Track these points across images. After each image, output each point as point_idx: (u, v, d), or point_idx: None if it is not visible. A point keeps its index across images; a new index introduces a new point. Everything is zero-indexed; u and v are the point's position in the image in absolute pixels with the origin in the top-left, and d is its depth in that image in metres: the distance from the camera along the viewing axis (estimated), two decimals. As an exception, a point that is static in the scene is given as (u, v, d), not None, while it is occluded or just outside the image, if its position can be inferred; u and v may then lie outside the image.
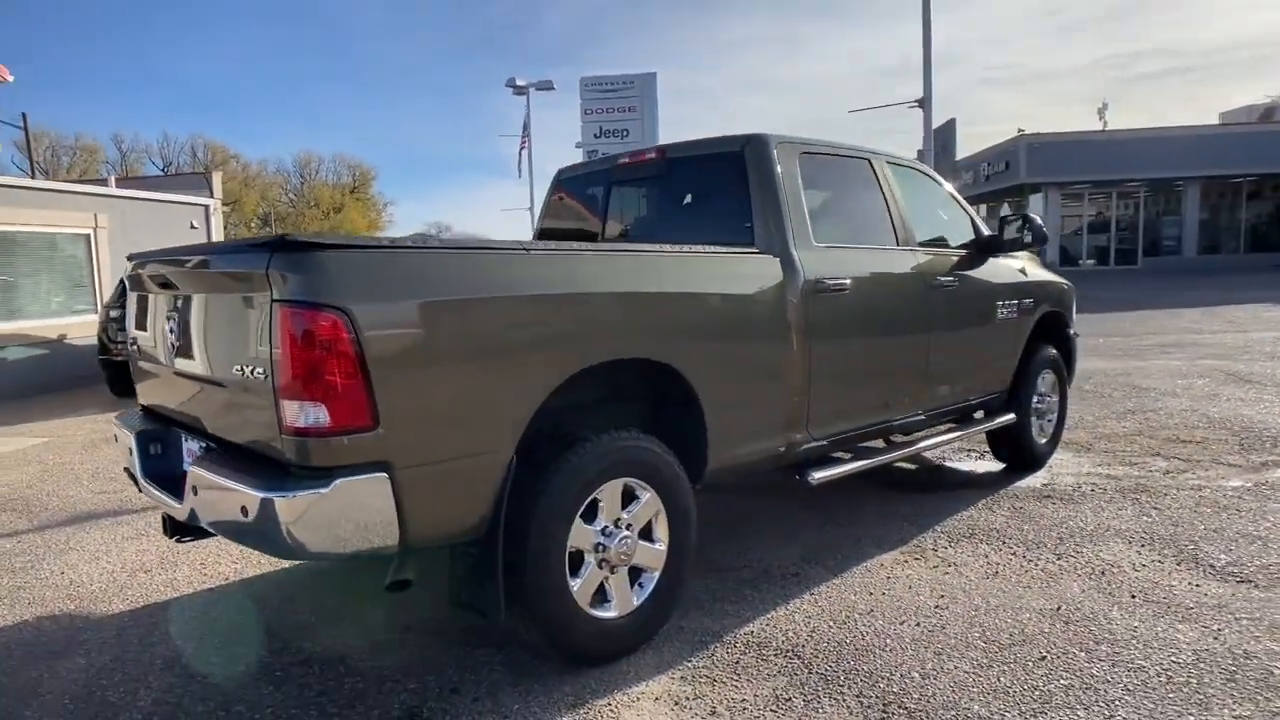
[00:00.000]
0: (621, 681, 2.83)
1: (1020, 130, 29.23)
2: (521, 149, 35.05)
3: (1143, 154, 28.11)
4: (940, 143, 37.70)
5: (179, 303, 2.87)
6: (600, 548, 2.89)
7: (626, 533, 2.96)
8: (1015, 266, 5.07)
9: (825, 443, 3.83)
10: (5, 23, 66.03)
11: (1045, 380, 5.42)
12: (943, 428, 4.84)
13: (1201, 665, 2.79)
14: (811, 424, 3.70)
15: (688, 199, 4.09)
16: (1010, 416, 5.08)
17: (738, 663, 2.95)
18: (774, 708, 2.65)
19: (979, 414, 5.07)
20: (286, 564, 4.02)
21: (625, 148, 17.36)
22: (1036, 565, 3.74)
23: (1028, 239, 4.69)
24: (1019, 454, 5.31)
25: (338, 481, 2.26)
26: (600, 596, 2.94)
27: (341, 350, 2.23)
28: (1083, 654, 2.90)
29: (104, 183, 17.94)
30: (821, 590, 3.55)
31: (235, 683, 2.91)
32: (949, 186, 4.88)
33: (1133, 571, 3.63)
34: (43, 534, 4.71)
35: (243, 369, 2.46)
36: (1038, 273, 5.37)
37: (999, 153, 31.05)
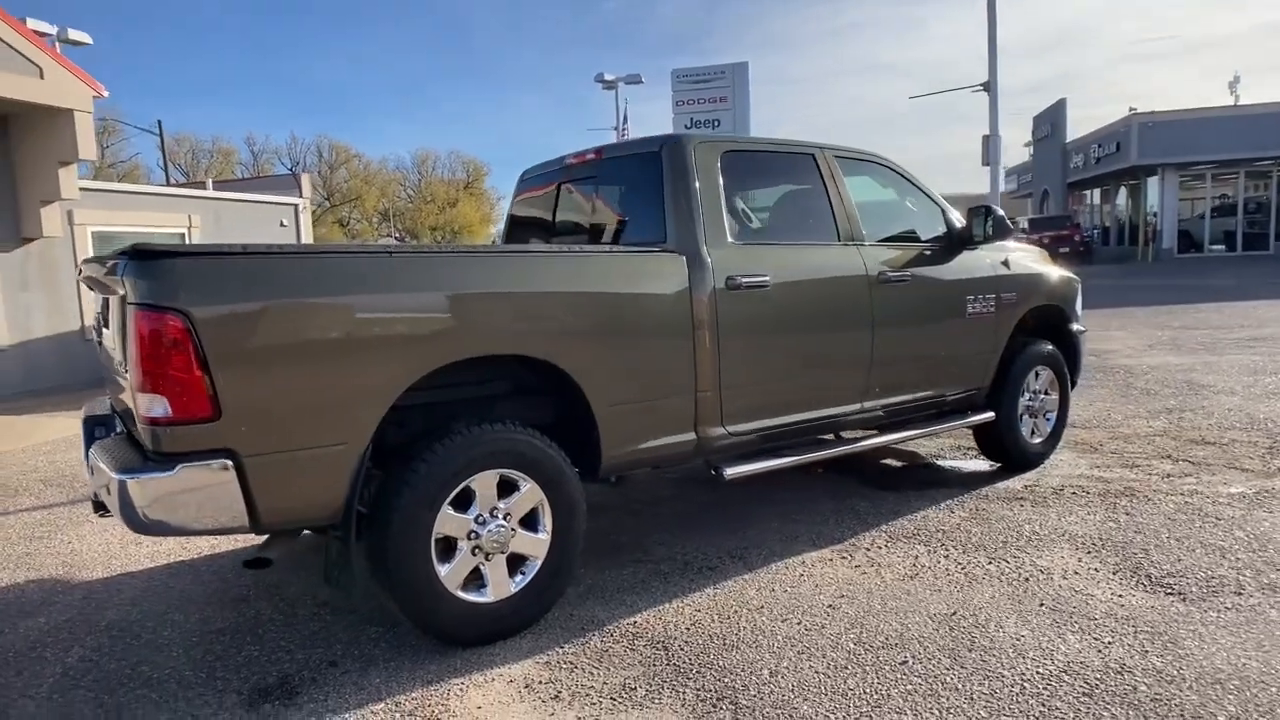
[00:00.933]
0: (486, 663, 2.97)
1: (1132, 109, 27.34)
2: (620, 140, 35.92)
3: (1277, 129, 25.75)
4: (1049, 124, 35.64)
5: (104, 304, 3.20)
6: (474, 535, 3.03)
7: (503, 522, 3.09)
8: (993, 260, 4.86)
9: (752, 437, 3.84)
10: (154, 34, 71.70)
11: (1040, 377, 5.18)
12: (915, 424, 4.72)
13: (1065, 677, 2.69)
14: (729, 419, 3.72)
15: (618, 198, 4.16)
16: (989, 415, 4.91)
17: (607, 651, 3.04)
18: (615, 695, 2.73)
19: (969, 412, 4.91)
20: (254, 540, 4.35)
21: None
22: (962, 569, 3.64)
23: (989, 232, 4.52)
24: (1006, 453, 5.12)
25: (180, 467, 2.49)
26: (478, 581, 3.09)
27: (181, 348, 2.45)
28: (947, 660, 2.84)
29: (203, 185, 19.32)
30: (728, 585, 3.58)
31: (154, 647, 3.22)
32: (917, 179, 4.73)
33: (1060, 579, 3.48)
34: (71, 508, 5.25)
35: (125, 365, 2.73)
36: (1027, 265, 5.13)
37: (1109, 134, 29.15)
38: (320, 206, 56.01)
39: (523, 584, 3.17)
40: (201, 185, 18.60)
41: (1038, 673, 2.73)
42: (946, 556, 3.80)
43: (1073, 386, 5.60)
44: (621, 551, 4.04)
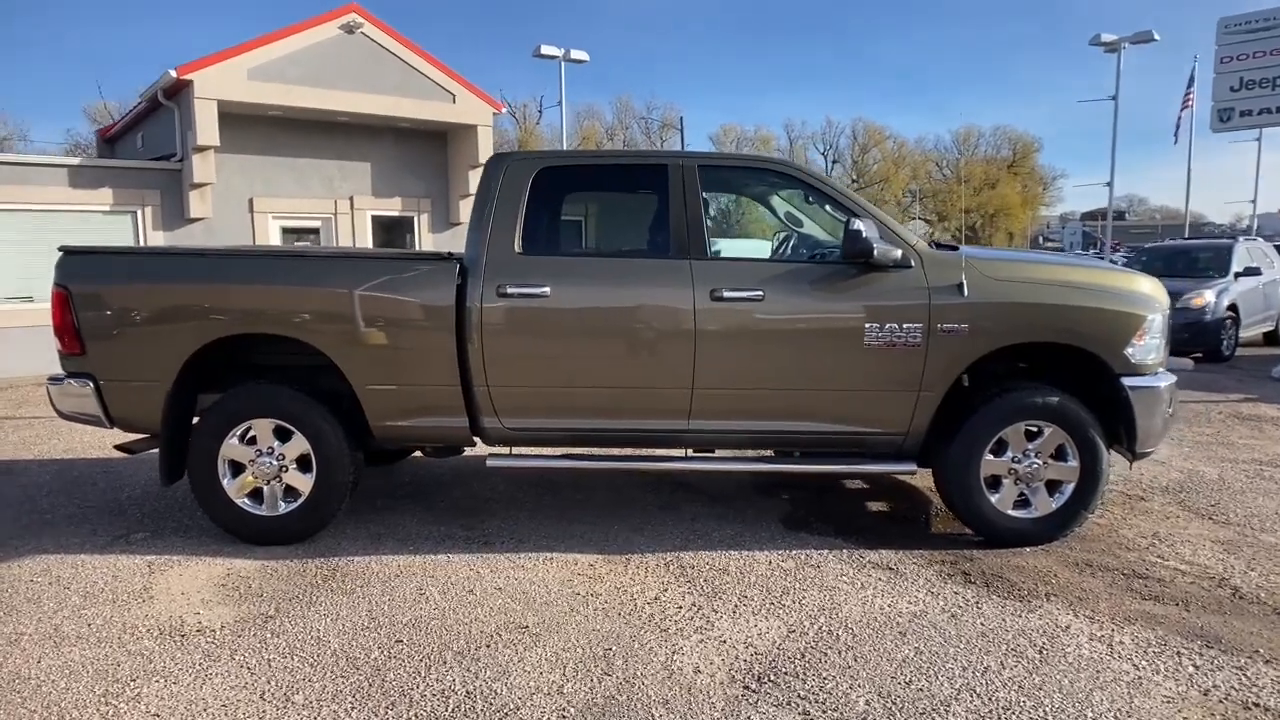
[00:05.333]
0: (232, 553, 4.08)
1: None
2: (1183, 110, 30.83)
3: None
4: None
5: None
6: (253, 464, 4.16)
7: (275, 460, 4.14)
8: (935, 282, 3.98)
9: (540, 434, 4.20)
10: (722, 41, 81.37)
11: (1041, 436, 4.08)
12: (817, 459, 4.31)
13: (456, 692, 2.78)
14: (503, 414, 4.13)
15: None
16: (907, 466, 4.17)
17: (304, 571, 3.89)
18: (248, 592, 3.62)
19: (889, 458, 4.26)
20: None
21: (1274, 102, 14.84)
22: (642, 603, 3.51)
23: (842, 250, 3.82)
24: (965, 520, 4.21)
25: (66, 380, 4.15)
26: (259, 498, 4.21)
27: (65, 311, 4.08)
28: (385, 654, 3.08)
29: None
30: (458, 558, 4.04)
31: (133, 502, 5.06)
32: (840, 193, 4.14)
33: (693, 635, 3.20)
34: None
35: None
36: (1004, 291, 4.02)
37: None
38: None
39: (290, 508, 4.19)
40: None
41: (454, 686, 2.86)
42: (664, 590, 3.66)
43: (1137, 457, 4.23)
44: (458, 519, 4.66)
